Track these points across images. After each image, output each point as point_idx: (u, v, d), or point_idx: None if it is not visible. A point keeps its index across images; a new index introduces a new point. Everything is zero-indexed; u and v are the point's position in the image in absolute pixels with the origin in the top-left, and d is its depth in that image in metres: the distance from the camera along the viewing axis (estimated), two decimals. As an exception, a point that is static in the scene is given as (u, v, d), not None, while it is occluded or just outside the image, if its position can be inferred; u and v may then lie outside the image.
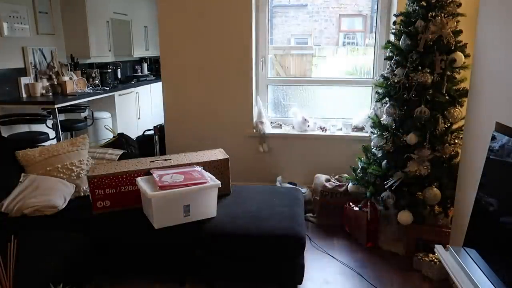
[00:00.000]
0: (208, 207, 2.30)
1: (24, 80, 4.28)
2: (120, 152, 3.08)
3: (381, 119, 2.77)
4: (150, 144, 3.79)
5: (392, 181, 2.61)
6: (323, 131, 3.64)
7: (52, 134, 3.98)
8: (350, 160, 3.23)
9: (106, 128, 4.76)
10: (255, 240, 2.14)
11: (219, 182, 2.31)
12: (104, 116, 5.09)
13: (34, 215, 2.32)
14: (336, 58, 3.93)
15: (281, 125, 3.79)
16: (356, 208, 2.91)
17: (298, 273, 2.21)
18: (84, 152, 2.81)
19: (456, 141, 2.61)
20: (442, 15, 2.45)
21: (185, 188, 2.20)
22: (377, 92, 2.82)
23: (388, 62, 2.74)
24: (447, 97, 2.52)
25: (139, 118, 5.92)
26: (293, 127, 3.72)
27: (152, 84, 6.29)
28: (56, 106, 4.02)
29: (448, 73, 2.51)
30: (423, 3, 2.49)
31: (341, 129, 3.63)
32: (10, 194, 2.39)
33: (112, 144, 3.92)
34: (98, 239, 2.23)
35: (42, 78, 4.53)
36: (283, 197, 2.59)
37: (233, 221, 2.26)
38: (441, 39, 2.45)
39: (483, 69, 2.09)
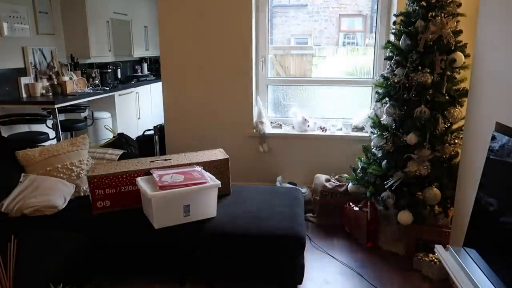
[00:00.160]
0: (208, 207, 2.30)
1: (24, 80, 4.28)
2: (120, 152, 3.08)
3: (381, 119, 2.77)
4: (150, 144, 3.79)
5: (392, 181, 2.61)
6: (323, 131, 3.64)
7: (52, 134, 3.98)
8: (350, 160, 3.23)
9: (106, 128, 4.76)
10: (255, 240, 2.14)
11: (219, 182, 2.31)
12: (104, 116, 5.09)
13: (34, 215, 2.32)
14: (336, 58, 3.93)
15: (281, 125, 3.79)
16: (356, 208, 2.91)
17: (298, 273, 2.21)
18: (84, 152, 2.81)
19: (456, 141, 2.61)
20: (442, 15, 2.45)
21: (185, 188, 2.20)
22: (377, 92, 2.82)
23: (388, 62, 2.74)
24: (447, 97, 2.52)
25: (139, 118, 5.92)
26: (293, 127, 3.72)
27: (152, 84, 6.29)
28: (56, 106, 4.02)
29: (448, 73, 2.51)
30: (423, 3, 2.49)
31: (341, 129, 3.63)
32: (10, 194, 2.39)
33: (112, 144, 3.92)
34: (98, 239, 2.23)
35: (42, 78, 4.53)
36: (283, 197, 2.59)
37: (233, 221, 2.26)
38: (441, 39, 2.45)
39: (483, 69, 2.09)
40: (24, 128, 4.13)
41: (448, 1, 2.46)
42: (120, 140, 3.95)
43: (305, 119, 3.60)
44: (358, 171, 2.96)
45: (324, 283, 2.42)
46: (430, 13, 2.46)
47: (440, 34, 2.44)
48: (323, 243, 2.89)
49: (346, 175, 3.18)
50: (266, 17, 3.59)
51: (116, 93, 5.24)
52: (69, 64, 4.97)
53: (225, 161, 2.62)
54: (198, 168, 2.42)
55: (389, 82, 2.65)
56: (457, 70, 2.54)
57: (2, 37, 3.99)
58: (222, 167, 2.61)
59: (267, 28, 3.63)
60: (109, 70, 5.64)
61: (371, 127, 2.89)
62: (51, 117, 4.03)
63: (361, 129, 3.62)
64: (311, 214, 3.27)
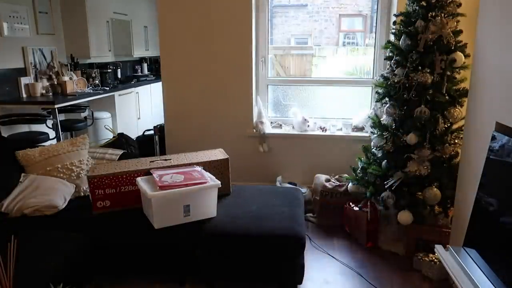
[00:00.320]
0: (208, 207, 2.30)
1: (24, 80, 4.28)
2: (120, 152, 3.09)
3: (381, 119, 2.77)
4: (150, 144, 3.79)
5: (392, 181, 2.61)
6: (323, 131, 3.64)
7: (52, 134, 3.98)
8: (350, 160, 3.23)
9: (106, 128, 4.76)
10: (255, 240, 2.14)
11: (219, 182, 2.31)
12: (104, 116, 5.09)
13: (34, 215, 2.32)
14: (336, 58, 3.93)
15: (281, 125, 3.79)
16: (356, 208, 2.91)
17: (298, 273, 2.21)
18: (84, 152, 2.81)
19: (456, 141, 2.61)
20: (442, 15, 2.45)
21: (185, 188, 2.20)
22: (377, 92, 2.82)
23: (388, 62, 2.74)
24: (447, 97, 2.52)
25: (139, 118, 5.92)
26: (293, 127, 3.72)
27: (152, 84, 6.29)
28: (56, 106, 4.02)
29: (448, 73, 2.51)
30: (423, 3, 2.49)
31: (341, 129, 3.63)
32: (10, 194, 2.39)
33: (112, 144, 3.92)
34: (98, 239, 2.23)
35: (42, 78, 4.53)
36: (283, 197, 2.59)
37: (233, 221, 2.26)
38: (441, 39, 2.45)
39: (483, 69, 2.09)
40: (24, 128, 4.13)
41: (448, 1, 2.46)
42: (120, 140, 3.95)
43: (305, 119, 3.60)
44: (358, 171, 2.96)
45: (324, 283, 2.42)
46: (430, 13, 2.46)
47: (440, 34, 2.44)
48: (323, 243, 2.89)
49: (346, 175, 3.18)
50: (266, 17, 3.59)
51: (116, 93, 5.24)
52: (69, 64, 4.97)
53: (225, 161, 2.62)
54: (198, 168, 2.42)
55: (389, 82, 2.65)
56: (457, 70, 2.54)
57: (2, 37, 3.99)
58: (222, 167, 2.61)
59: (267, 28, 3.63)
60: (109, 70, 5.64)
61: (371, 127, 2.89)
62: (51, 117, 4.03)
63: (361, 129, 3.62)
64: (311, 214, 3.27)
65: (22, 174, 2.57)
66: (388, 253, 2.75)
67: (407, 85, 2.53)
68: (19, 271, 1.50)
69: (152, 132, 3.79)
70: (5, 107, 3.99)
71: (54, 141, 3.92)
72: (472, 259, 1.77)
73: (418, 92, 2.51)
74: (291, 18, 3.80)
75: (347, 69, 3.88)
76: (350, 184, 3.03)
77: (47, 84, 4.53)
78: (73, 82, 4.76)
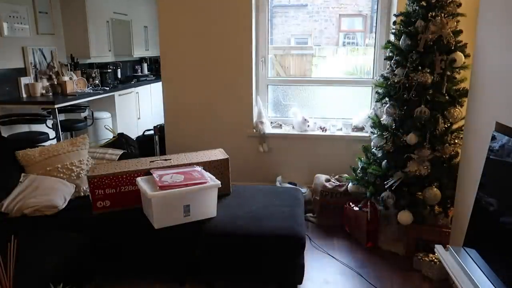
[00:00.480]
0: (208, 207, 2.30)
1: (24, 80, 4.28)
2: (120, 152, 3.08)
3: (381, 119, 2.77)
4: (150, 144, 3.79)
5: (392, 181, 2.61)
6: (323, 131, 3.64)
7: (52, 134, 3.98)
8: (350, 160, 3.23)
9: (106, 128, 4.76)
10: (255, 240, 2.14)
11: (219, 182, 2.31)
12: (104, 116, 5.09)
13: (34, 215, 2.32)
14: (336, 58, 3.93)
15: (281, 125, 3.79)
16: (356, 208, 2.91)
17: (298, 273, 2.21)
18: (84, 152, 2.81)
19: (456, 141, 2.61)
20: (442, 15, 2.45)
21: (185, 188, 2.20)
22: (377, 92, 2.82)
23: (388, 62, 2.74)
24: (447, 97, 2.52)
25: (139, 118, 5.92)
26: (293, 127, 3.72)
27: (152, 84, 6.29)
28: (56, 106, 4.02)
29: (448, 73, 2.51)
30: (423, 3, 2.49)
31: (341, 129, 3.63)
32: (10, 194, 2.39)
33: (112, 144, 3.92)
34: (98, 239, 2.23)
35: (42, 78, 4.53)
36: (283, 197, 2.59)
37: (233, 221, 2.26)
38: (441, 39, 2.45)
39: (483, 69, 2.09)
40: (24, 128, 4.13)
41: (448, 1, 2.46)
42: (120, 140, 3.95)
43: (305, 119, 3.60)
44: (358, 171, 2.96)
45: (324, 283, 2.42)
46: (430, 13, 2.46)
47: (440, 34, 2.44)
48: (323, 243, 2.89)
49: (346, 175, 3.18)
50: (266, 17, 3.59)
51: (116, 93, 5.24)
52: (69, 64, 4.97)
53: (225, 161, 2.62)
54: (198, 168, 2.42)
55: (389, 82, 2.65)
56: (457, 70, 2.54)
57: (2, 37, 3.99)
58: (222, 167, 2.61)
59: (267, 28, 3.63)
60: (109, 70, 5.64)
61: (371, 127, 2.89)
62: (51, 117, 4.03)
63: (361, 129, 3.62)
64: (311, 214, 3.27)
65: (22, 174, 2.57)
66: (388, 253, 2.75)
67: (407, 85, 2.53)
68: (19, 271, 1.49)
69: (152, 132, 3.79)
70: (5, 107, 4.00)
71: (54, 141, 3.92)
72: (472, 259, 1.77)
73: (418, 92, 2.51)
74: (291, 18, 3.80)
75: (347, 69, 3.88)
76: (350, 184, 3.03)
77: (47, 84, 4.53)
78: (73, 82, 4.76)
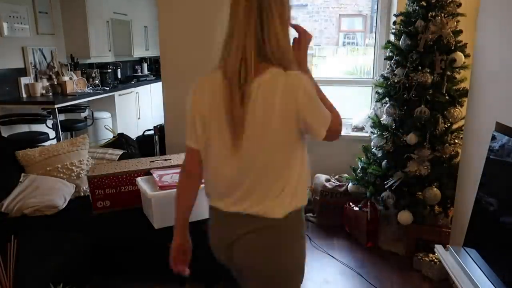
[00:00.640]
0: (208, 207, 2.30)
1: (24, 80, 4.28)
2: (120, 152, 3.08)
3: (381, 119, 2.77)
4: (150, 144, 3.78)
5: (392, 181, 2.61)
6: (323, 131, 3.63)
7: (52, 134, 3.98)
8: (350, 160, 3.23)
9: (106, 128, 4.76)
10: (255, 240, 2.13)
11: (219, 182, 2.31)
12: (104, 116, 5.09)
13: (34, 215, 2.32)
14: (336, 58, 3.94)
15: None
16: (356, 208, 2.91)
17: (298, 273, 2.20)
18: (84, 152, 2.81)
19: (456, 141, 2.61)
20: (442, 15, 2.45)
21: (185, 188, 2.19)
22: (377, 92, 2.82)
23: (388, 62, 2.74)
24: (447, 97, 2.52)
25: (139, 118, 5.92)
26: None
27: (152, 84, 6.28)
28: (56, 106, 4.02)
29: (448, 73, 2.51)
30: (423, 3, 2.49)
31: (341, 129, 3.62)
32: (10, 194, 2.38)
33: (112, 144, 3.91)
34: (98, 239, 2.23)
35: (42, 78, 4.52)
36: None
37: (233, 221, 2.25)
38: (441, 39, 2.45)
39: (483, 69, 2.09)
40: (24, 128, 4.13)
41: (448, 1, 2.46)
42: (120, 140, 3.94)
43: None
44: (358, 171, 2.96)
45: (324, 283, 2.42)
46: (430, 13, 2.46)
47: (440, 34, 2.44)
48: (323, 243, 2.89)
49: (346, 175, 3.18)
50: (266, 17, 3.58)
51: (116, 93, 5.24)
52: (69, 64, 4.97)
53: (225, 161, 2.61)
54: (198, 168, 2.42)
55: (389, 82, 2.65)
56: (457, 70, 2.54)
57: (2, 37, 3.99)
58: (222, 167, 2.60)
59: (267, 28, 3.62)
60: (109, 70, 5.64)
61: (371, 127, 2.89)
62: (51, 117, 4.03)
63: (361, 129, 3.61)
64: (311, 214, 3.27)
65: (22, 174, 2.57)
66: (388, 253, 2.75)
67: (407, 85, 2.53)
68: (19, 271, 1.50)
69: (152, 132, 3.78)
70: (5, 107, 3.99)
71: (54, 141, 3.92)
72: (472, 259, 1.77)
73: (418, 92, 2.50)
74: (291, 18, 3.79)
75: (347, 69, 3.88)
76: (350, 184, 3.03)
77: (47, 84, 4.52)
78: (73, 82, 4.75)
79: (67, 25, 4.97)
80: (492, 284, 1.57)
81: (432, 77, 2.47)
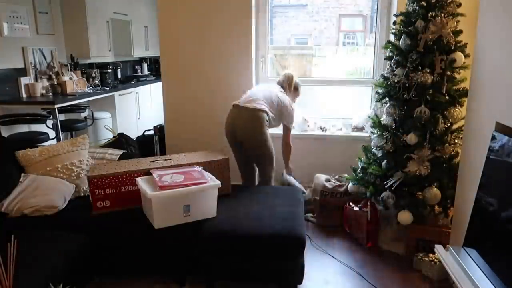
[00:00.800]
0: (208, 207, 2.30)
1: (24, 80, 4.28)
2: (120, 152, 3.08)
3: (381, 119, 2.77)
4: (150, 144, 3.79)
5: (392, 181, 2.61)
6: (323, 131, 3.64)
7: (52, 134, 3.98)
8: (350, 160, 3.23)
9: (106, 128, 4.76)
10: (255, 240, 2.14)
11: (219, 182, 2.31)
12: (104, 116, 5.09)
13: (34, 215, 2.32)
14: (336, 58, 3.93)
15: (281, 125, 3.79)
16: (356, 208, 2.91)
17: (298, 273, 2.21)
18: (84, 152, 2.81)
19: (456, 141, 2.61)
20: (442, 15, 2.45)
21: (185, 188, 2.20)
22: (377, 92, 2.82)
23: (388, 62, 2.74)
24: (447, 97, 2.52)
25: (139, 118, 5.92)
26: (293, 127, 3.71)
27: (152, 84, 6.29)
28: (56, 106, 4.02)
29: (448, 73, 2.51)
30: (423, 3, 2.49)
31: (341, 129, 3.63)
32: (10, 194, 2.38)
33: (112, 144, 3.92)
34: (98, 239, 2.23)
35: (42, 78, 4.53)
36: (283, 197, 2.59)
37: (233, 221, 2.26)
38: (441, 39, 2.45)
39: (483, 69, 2.09)
40: (24, 128, 4.13)
41: (448, 1, 2.46)
42: (120, 140, 3.95)
43: (305, 119, 3.60)
44: (358, 171, 2.96)
45: (324, 283, 2.42)
46: (430, 13, 2.47)
47: (440, 34, 2.44)
48: (323, 243, 2.89)
49: (346, 175, 3.18)
50: (266, 17, 3.59)
51: (116, 93, 5.24)
52: (69, 64, 4.97)
53: (225, 161, 2.62)
54: (198, 168, 2.42)
55: (389, 82, 2.65)
56: (457, 70, 2.54)
57: (2, 37, 3.99)
58: (222, 167, 2.61)
59: (267, 28, 3.63)
60: (109, 70, 5.64)
61: (371, 127, 2.89)
62: (51, 117, 4.03)
63: (361, 129, 3.62)
64: (311, 214, 3.27)
65: (22, 174, 2.57)
66: (388, 253, 2.75)
67: (407, 85, 2.53)
68: (19, 271, 1.50)
69: (152, 132, 3.79)
70: (5, 107, 4.00)
71: (54, 141, 3.92)
72: (472, 259, 1.77)
73: (418, 92, 2.51)
74: (291, 18, 3.80)
75: (347, 69, 3.88)
76: (350, 184, 3.03)
77: (47, 84, 4.53)
78: (73, 82, 4.76)
79: (67, 25, 4.97)
80: (492, 284, 1.57)
81: (432, 77, 2.47)
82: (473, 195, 1.86)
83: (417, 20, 2.50)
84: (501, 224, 1.63)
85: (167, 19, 3.56)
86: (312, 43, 3.89)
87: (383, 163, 2.72)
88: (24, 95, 4.27)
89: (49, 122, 4.01)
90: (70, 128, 4.36)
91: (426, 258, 2.48)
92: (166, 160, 2.57)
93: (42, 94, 4.40)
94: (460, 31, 2.50)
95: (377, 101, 2.84)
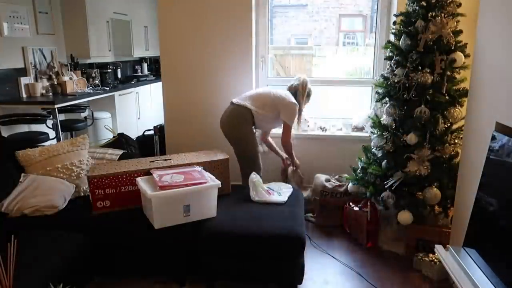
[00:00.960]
0: (208, 207, 2.30)
1: (24, 80, 4.28)
2: (120, 152, 3.08)
3: (381, 119, 2.77)
4: (150, 144, 3.79)
5: (392, 181, 2.61)
6: (323, 131, 3.64)
7: (52, 134, 3.98)
8: (350, 160, 3.23)
9: (106, 128, 4.76)
10: (255, 240, 2.14)
11: (219, 182, 2.31)
12: (104, 116, 5.09)
13: (34, 215, 2.32)
14: (336, 58, 3.93)
15: (281, 125, 3.79)
16: (356, 208, 2.91)
17: (298, 273, 2.21)
18: (84, 152, 2.81)
19: (456, 141, 2.61)
20: (442, 15, 2.45)
21: (185, 188, 2.20)
22: (377, 92, 2.82)
23: (388, 62, 2.74)
24: (447, 97, 2.52)
25: (139, 118, 5.92)
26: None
27: (152, 84, 6.29)
28: (56, 106, 4.02)
29: (448, 73, 2.51)
30: (423, 3, 2.49)
31: (341, 129, 3.63)
32: (10, 194, 2.38)
33: (112, 144, 3.92)
34: (98, 239, 2.23)
35: (42, 78, 4.53)
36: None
37: (233, 221, 2.26)
38: (441, 39, 2.45)
39: (483, 69, 2.09)
40: (24, 128, 4.13)
41: (448, 1, 2.46)
42: (120, 140, 3.95)
43: (305, 119, 3.60)
44: (358, 171, 2.96)
45: (324, 283, 2.42)
46: (430, 13, 2.47)
47: (440, 34, 2.44)
48: (323, 243, 2.89)
49: (346, 175, 3.18)
50: (266, 17, 3.59)
51: (116, 93, 5.24)
52: (69, 64, 4.97)
53: (225, 161, 2.62)
54: (198, 168, 2.42)
55: (389, 82, 2.65)
56: (457, 70, 2.54)
57: (2, 37, 3.99)
58: (222, 167, 2.61)
59: (267, 28, 3.62)
60: (109, 70, 5.64)
61: (371, 127, 2.89)
62: (51, 117, 4.03)
63: (361, 129, 3.61)
64: (311, 214, 3.27)
65: (22, 174, 2.57)
66: (388, 253, 2.75)
67: (407, 85, 2.53)
68: (19, 271, 1.50)
69: (152, 132, 3.79)
70: (5, 107, 3.99)
71: (54, 141, 3.92)
72: (472, 259, 1.77)
73: (418, 92, 2.51)
74: (291, 18, 3.80)
75: (347, 69, 3.88)
76: (350, 184, 3.03)
77: (47, 84, 4.53)
78: (73, 82, 4.76)
79: (67, 25, 4.97)
80: (492, 284, 1.57)
81: (432, 77, 2.47)
82: (473, 195, 1.86)
83: (417, 20, 2.50)
84: (501, 224, 1.63)
85: (167, 19, 3.56)
86: (312, 43, 3.89)
87: (383, 163, 2.72)
88: (24, 95, 4.27)
89: (49, 122, 4.01)
90: (70, 128, 4.36)
91: (426, 258, 2.48)
92: (166, 160, 2.57)
93: (42, 94, 4.40)
94: (460, 31, 2.50)
95: (377, 101, 2.84)
